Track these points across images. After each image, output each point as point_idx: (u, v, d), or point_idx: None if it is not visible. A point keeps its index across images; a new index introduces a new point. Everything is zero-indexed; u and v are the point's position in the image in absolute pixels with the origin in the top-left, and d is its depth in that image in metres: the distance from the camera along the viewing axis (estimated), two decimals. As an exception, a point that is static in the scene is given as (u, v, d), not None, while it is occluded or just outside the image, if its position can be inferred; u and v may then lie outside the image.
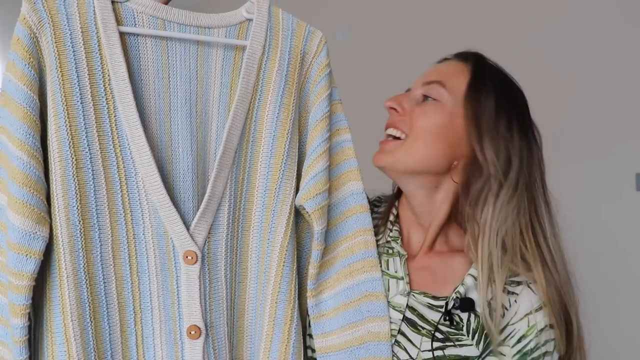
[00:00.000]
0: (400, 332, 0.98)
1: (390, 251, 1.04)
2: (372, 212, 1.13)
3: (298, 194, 0.98)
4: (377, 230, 1.08)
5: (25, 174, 0.82)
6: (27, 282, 0.83)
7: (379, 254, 1.05)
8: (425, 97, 1.02)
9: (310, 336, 1.03)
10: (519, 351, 0.94)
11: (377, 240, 1.06)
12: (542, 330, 0.94)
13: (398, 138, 1.03)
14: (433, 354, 0.95)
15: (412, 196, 1.06)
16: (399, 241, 1.05)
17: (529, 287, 0.95)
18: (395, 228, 1.07)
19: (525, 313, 0.95)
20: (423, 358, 0.95)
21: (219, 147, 0.94)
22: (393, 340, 0.98)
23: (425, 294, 0.99)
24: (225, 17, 0.96)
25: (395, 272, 1.03)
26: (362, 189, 1.03)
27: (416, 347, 0.97)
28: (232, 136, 0.94)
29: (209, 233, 0.93)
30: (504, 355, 0.94)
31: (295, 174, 0.98)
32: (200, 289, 0.92)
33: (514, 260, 0.96)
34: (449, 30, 2.48)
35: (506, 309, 0.95)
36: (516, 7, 2.50)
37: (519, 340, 0.94)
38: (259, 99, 0.97)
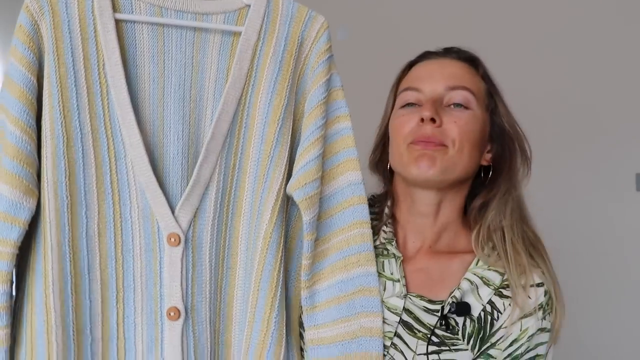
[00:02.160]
0: (396, 334, 0.98)
1: (386, 252, 1.03)
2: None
3: (289, 182, 0.97)
4: (375, 231, 1.07)
5: (16, 147, 0.87)
6: (10, 250, 0.87)
7: (375, 255, 1.02)
8: (457, 105, 1.02)
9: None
10: (510, 354, 0.95)
11: (373, 241, 1.04)
12: (533, 334, 0.95)
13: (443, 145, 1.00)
14: (428, 357, 0.95)
15: (421, 200, 1.05)
16: (393, 243, 1.04)
17: (523, 290, 0.96)
18: (389, 230, 1.06)
19: (519, 317, 0.95)
20: None
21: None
22: (389, 343, 0.97)
23: (421, 297, 0.99)
24: (224, 4, 0.97)
25: (391, 274, 1.02)
26: (361, 179, 1.00)
27: (412, 350, 0.96)
28: (222, 121, 0.94)
29: (194, 217, 0.94)
30: (494, 358, 0.95)
31: (285, 161, 0.97)
32: (182, 271, 0.93)
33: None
34: (449, 29, 2.45)
35: (500, 312, 0.96)
36: (518, 7, 2.51)
37: (510, 344, 0.95)
38: (252, 85, 0.96)
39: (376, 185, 1.16)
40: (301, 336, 1.02)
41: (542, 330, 0.96)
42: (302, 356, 1.02)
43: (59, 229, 0.91)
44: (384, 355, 0.97)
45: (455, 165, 1.00)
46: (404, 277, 1.00)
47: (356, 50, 2.55)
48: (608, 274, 2.34)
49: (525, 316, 0.95)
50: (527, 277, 0.97)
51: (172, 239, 0.93)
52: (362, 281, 0.99)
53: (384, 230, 1.06)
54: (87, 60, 0.91)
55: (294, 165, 0.97)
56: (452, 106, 1.01)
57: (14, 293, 0.93)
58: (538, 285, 0.97)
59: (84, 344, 0.93)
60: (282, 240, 0.97)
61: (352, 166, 0.99)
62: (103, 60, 0.92)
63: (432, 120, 0.98)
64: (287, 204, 0.99)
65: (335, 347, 0.98)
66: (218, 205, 0.96)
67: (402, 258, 1.02)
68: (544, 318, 0.96)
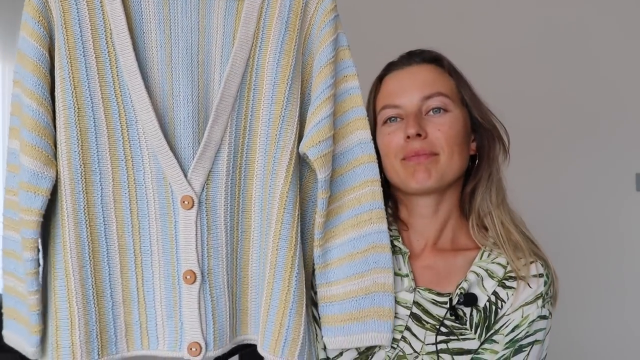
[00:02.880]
0: (407, 327, 1.01)
1: (392, 249, 1.04)
2: None
3: (302, 141, 0.97)
4: None
5: (34, 120, 0.90)
6: (35, 218, 0.90)
7: None
8: (436, 110, 1.04)
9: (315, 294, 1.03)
10: (511, 340, 0.98)
11: None
12: (533, 321, 0.99)
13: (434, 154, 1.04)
14: (437, 347, 0.99)
15: (421, 204, 1.08)
16: (400, 239, 1.07)
17: (524, 281, 1.01)
18: (394, 228, 1.09)
19: (520, 305, 1.00)
20: (427, 351, 0.99)
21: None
22: (400, 336, 1.00)
23: (430, 290, 1.03)
24: (226, -33, 0.97)
25: (399, 269, 1.04)
26: (370, 138, 1.00)
27: (420, 341, 1.00)
28: (230, 83, 0.95)
29: (207, 179, 0.95)
30: (497, 342, 0.99)
31: (296, 120, 0.97)
32: (196, 234, 0.94)
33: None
34: (447, 28, 2.49)
35: (503, 301, 1.00)
36: (516, 6, 2.49)
37: (512, 330, 0.99)
38: (259, 47, 0.97)
39: None
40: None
41: (541, 317, 1.00)
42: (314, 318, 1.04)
43: (74, 196, 0.93)
44: (394, 348, 1.00)
45: (449, 169, 1.03)
46: (411, 271, 1.04)
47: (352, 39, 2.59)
48: (608, 273, 2.37)
49: (526, 304, 1.00)
50: (525, 256, 1.03)
51: (186, 202, 0.94)
52: (374, 238, 0.99)
53: (388, 229, 1.06)
54: (94, 31, 0.93)
55: (306, 124, 0.98)
56: (431, 112, 1.04)
57: (41, 261, 0.95)
58: (539, 276, 1.02)
59: (105, 307, 0.95)
60: (297, 200, 0.97)
61: (361, 125, 1.00)
62: (110, 30, 0.93)
63: (418, 134, 1.01)
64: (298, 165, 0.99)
65: (349, 303, 0.99)
66: (230, 168, 0.96)
67: (409, 253, 1.05)
68: (543, 306, 1.00)
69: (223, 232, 0.97)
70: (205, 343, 0.95)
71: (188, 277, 0.94)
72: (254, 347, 1.02)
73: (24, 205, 0.91)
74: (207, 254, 0.95)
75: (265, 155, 0.98)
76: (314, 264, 1.01)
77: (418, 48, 1.12)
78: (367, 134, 1.00)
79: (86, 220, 0.93)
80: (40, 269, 0.95)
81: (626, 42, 2.31)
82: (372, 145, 1.00)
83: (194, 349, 0.95)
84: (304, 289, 0.98)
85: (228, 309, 0.98)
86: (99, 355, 0.94)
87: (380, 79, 1.11)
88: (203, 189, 0.95)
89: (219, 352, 0.97)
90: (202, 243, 0.95)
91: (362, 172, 1.00)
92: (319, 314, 1.01)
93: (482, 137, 1.09)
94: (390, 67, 1.11)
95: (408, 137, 1.01)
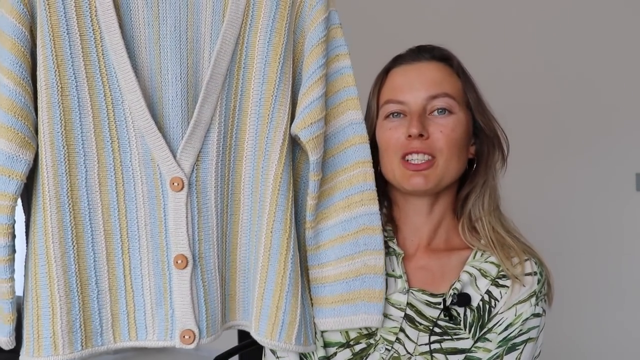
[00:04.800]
0: (401, 329, 1.01)
1: (386, 250, 1.04)
2: None
3: (293, 122, 0.95)
4: None
5: (11, 100, 0.85)
6: (9, 202, 0.86)
7: None
8: (441, 111, 1.03)
9: None
10: (504, 338, 0.99)
11: None
12: (527, 319, 0.99)
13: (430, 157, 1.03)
14: (430, 347, 0.99)
15: (416, 202, 1.07)
16: (394, 240, 1.07)
17: (518, 280, 1.01)
18: (389, 228, 1.09)
19: (514, 303, 1.00)
20: (420, 352, 0.99)
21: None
22: (394, 338, 1.00)
23: (423, 291, 1.02)
24: (215, -55, 0.95)
25: (393, 271, 1.04)
26: (362, 118, 0.99)
27: (414, 342, 1.00)
28: (220, 61, 0.93)
29: (197, 160, 0.92)
30: (490, 341, 0.99)
31: (289, 100, 0.95)
32: (187, 217, 0.91)
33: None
34: (447, 26, 2.50)
35: (497, 300, 1.01)
36: (516, 4, 2.52)
37: (505, 328, 0.99)
38: (250, 25, 0.94)
39: None
40: None
41: (535, 315, 1.00)
42: None
43: (57, 179, 0.89)
44: (388, 350, 1.00)
45: (447, 172, 1.03)
46: (405, 273, 1.03)
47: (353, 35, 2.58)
48: (608, 273, 2.38)
49: (519, 302, 1.00)
50: (519, 255, 1.02)
51: (175, 184, 0.91)
52: (365, 220, 0.98)
53: (383, 230, 1.06)
54: (78, 8, 0.89)
55: (298, 104, 0.96)
56: (435, 112, 1.03)
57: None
58: (533, 274, 1.02)
59: (90, 295, 0.91)
60: (291, 181, 0.95)
61: (352, 105, 0.98)
62: (95, 7, 0.90)
63: (420, 135, 1.00)
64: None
65: (339, 285, 0.98)
66: (220, 148, 0.94)
67: (403, 255, 1.04)
68: (537, 304, 1.01)
69: (214, 215, 0.94)
70: (199, 330, 0.91)
71: (179, 261, 0.91)
72: (254, 347, 0.99)
73: None
74: (198, 237, 0.92)
75: (257, 136, 0.95)
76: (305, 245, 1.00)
77: (429, 43, 1.09)
78: (358, 114, 0.98)
79: (69, 204, 0.89)
80: (16, 255, 0.90)
81: (626, 43, 2.33)
82: (364, 125, 0.99)
83: (187, 337, 0.91)
84: (300, 272, 0.95)
85: (219, 295, 0.95)
86: (82, 346, 0.90)
87: (386, 71, 1.09)
88: (193, 170, 0.92)
89: (211, 339, 0.94)
90: (192, 226, 0.92)
91: (354, 154, 0.98)
92: None
93: (482, 143, 1.08)
94: (397, 60, 1.08)
95: (410, 135, 0.99)
